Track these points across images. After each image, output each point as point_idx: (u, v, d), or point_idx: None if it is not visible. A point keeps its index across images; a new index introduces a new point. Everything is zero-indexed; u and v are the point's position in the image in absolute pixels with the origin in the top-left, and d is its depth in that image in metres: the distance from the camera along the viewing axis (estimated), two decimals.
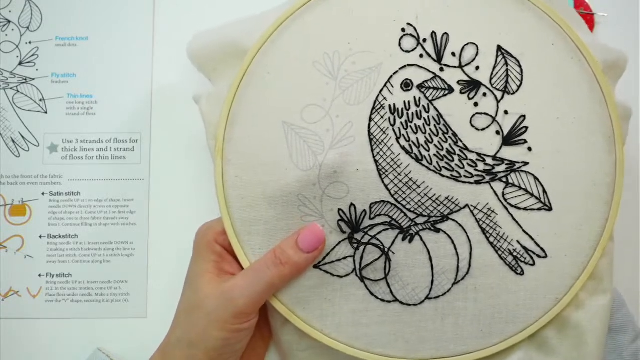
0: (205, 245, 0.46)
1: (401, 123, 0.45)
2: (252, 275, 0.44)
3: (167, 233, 0.56)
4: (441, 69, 0.45)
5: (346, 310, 0.45)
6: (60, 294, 0.56)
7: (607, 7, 0.59)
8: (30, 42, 0.58)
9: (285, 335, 0.48)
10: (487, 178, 0.45)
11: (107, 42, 0.58)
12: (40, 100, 0.57)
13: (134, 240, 0.56)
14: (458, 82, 0.45)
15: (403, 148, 0.45)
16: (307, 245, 0.44)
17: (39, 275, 0.56)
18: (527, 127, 0.45)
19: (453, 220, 0.45)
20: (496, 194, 0.45)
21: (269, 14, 0.48)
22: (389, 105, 0.45)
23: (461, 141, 0.45)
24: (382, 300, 0.45)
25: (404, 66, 0.45)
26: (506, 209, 0.45)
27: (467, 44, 0.45)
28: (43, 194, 0.57)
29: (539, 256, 0.45)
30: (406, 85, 0.45)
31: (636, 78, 0.57)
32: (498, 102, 0.45)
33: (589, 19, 0.58)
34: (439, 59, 0.45)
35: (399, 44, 0.46)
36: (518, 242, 0.45)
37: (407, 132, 0.45)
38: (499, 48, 0.45)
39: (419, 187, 0.45)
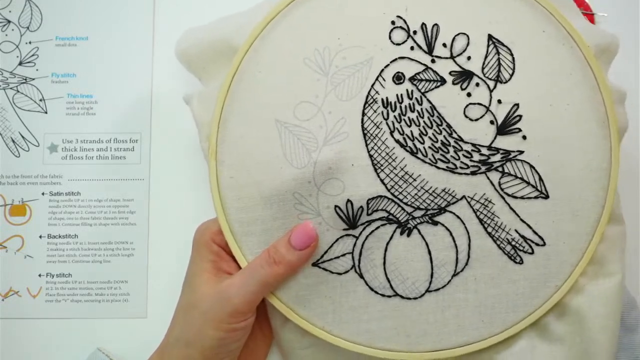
0: (203, 245, 0.46)
1: (394, 116, 0.45)
2: (247, 274, 0.44)
3: (167, 233, 0.56)
4: (432, 61, 0.45)
5: (346, 307, 0.45)
6: (60, 294, 0.56)
7: (607, 7, 0.59)
8: (30, 42, 0.58)
9: (287, 333, 0.48)
10: (483, 168, 0.45)
11: (107, 42, 0.59)
12: (40, 100, 0.58)
13: (134, 240, 0.56)
14: (450, 73, 0.45)
15: (397, 141, 0.45)
16: (299, 242, 0.44)
17: (39, 275, 0.56)
18: (520, 116, 0.45)
19: (450, 212, 0.45)
20: (492, 184, 0.45)
21: (258, 10, 0.49)
22: (382, 99, 0.45)
23: (455, 132, 0.45)
24: (382, 296, 0.45)
25: (395, 59, 0.45)
26: (503, 198, 0.45)
27: (458, 34, 0.46)
28: (43, 194, 0.57)
29: (537, 244, 0.45)
30: (398, 78, 0.45)
31: (636, 78, 0.57)
32: (491, 91, 0.45)
33: (589, 19, 0.58)
34: (430, 51, 0.46)
35: (389, 37, 0.46)
36: (516, 231, 0.45)
37: (400, 126, 0.45)
38: (490, 37, 0.45)
39: (415, 180, 0.45)
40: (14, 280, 0.56)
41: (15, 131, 0.57)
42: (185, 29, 0.52)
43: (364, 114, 0.45)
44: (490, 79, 0.45)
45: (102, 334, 0.55)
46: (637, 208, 0.56)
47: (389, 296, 0.45)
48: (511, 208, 0.45)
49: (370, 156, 0.45)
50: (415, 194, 0.45)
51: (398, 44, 0.46)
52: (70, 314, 0.55)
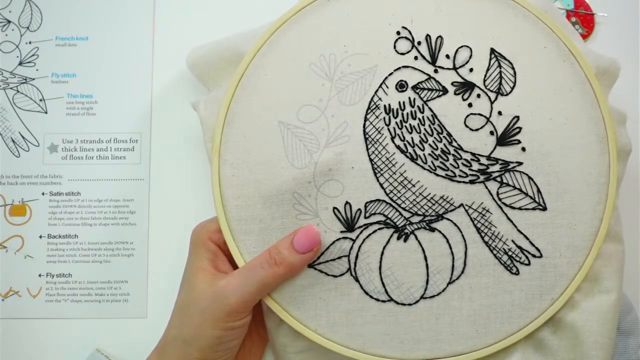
0: (200, 244, 0.46)
1: (396, 123, 0.45)
2: (245, 274, 0.44)
3: (167, 233, 0.56)
4: (435, 71, 0.46)
5: (340, 310, 0.46)
6: (60, 294, 0.56)
7: (607, 7, 0.59)
8: (30, 42, 0.58)
9: (280, 337, 0.48)
10: (482, 177, 0.45)
11: (107, 42, 0.58)
12: (40, 100, 0.57)
13: (134, 240, 0.56)
14: (452, 84, 0.46)
15: (398, 147, 0.45)
16: (302, 246, 0.44)
17: (39, 275, 0.56)
18: (520, 128, 0.45)
19: (448, 219, 0.45)
20: (491, 194, 0.45)
21: (265, 27, 0.49)
22: (384, 106, 0.46)
23: (455, 141, 0.45)
24: (377, 300, 0.45)
25: (399, 68, 0.46)
26: (500, 208, 0.45)
27: (461, 46, 0.46)
28: (43, 194, 0.57)
29: (534, 256, 0.45)
30: (401, 86, 0.46)
31: (636, 78, 0.57)
32: (492, 103, 0.45)
33: (589, 19, 0.58)
34: (433, 61, 0.46)
35: (394, 47, 0.46)
36: (513, 241, 0.45)
37: (402, 132, 0.45)
38: (492, 51, 0.46)
39: (413, 186, 0.45)
40: (14, 280, 0.56)
41: (15, 131, 0.57)
42: (195, 45, 0.52)
43: (366, 119, 0.46)
44: (491, 91, 0.46)
45: (102, 334, 0.55)
46: (637, 210, 0.56)
47: (384, 301, 0.45)
48: (508, 218, 0.45)
49: (371, 160, 0.45)
50: (414, 200, 0.45)
51: (402, 54, 0.46)
52: (70, 314, 0.55)
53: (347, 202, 0.45)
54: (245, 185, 0.46)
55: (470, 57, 0.46)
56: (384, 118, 0.45)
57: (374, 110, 0.46)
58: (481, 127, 0.45)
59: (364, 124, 0.46)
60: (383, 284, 0.45)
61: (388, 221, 0.45)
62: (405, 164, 0.45)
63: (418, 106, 0.45)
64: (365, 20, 0.47)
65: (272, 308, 0.46)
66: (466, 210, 0.45)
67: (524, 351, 0.46)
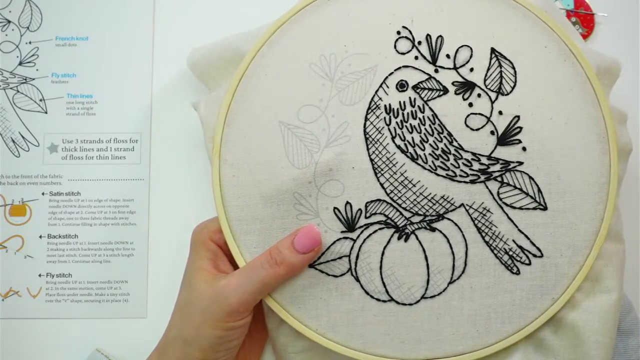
0: (201, 244, 0.46)
1: (396, 123, 0.45)
2: (246, 274, 0.44)
3: (167, 233, 0.56)
4: (436, 71, 0.46)
5: (341, 310, 0.46)
6: (60, 294, 0.56)
7: (607, 7, 0.59)
8: (30, 42, 0.58)
9: (281, 336, 0.48)
10: (482, 177, 0.45)
11: (107, 42, 0.58)
12: (40, 100, 0.57)
13: (134, 240, 0.56)
14: (453, 83, 0.46)
15: (398, 147, 0.45)
16: (302, 246, 0.44)
17: (39, 275, 0.56)
18: (521, 128, 0.45)
19: (449, 219, 0.45)
20: (491, 193, 0.45)
21: (265, 27, 0.49)
22: (385, 106, 0.46)
23: (456, 141, 0.45)
24: (378, 300, 0.45)
25: (399, 67, 0.46)
26: (501, 208, 0.45)
27: (462, 46, 0.46)
28: (43, 194, 0.57)
29: (534, 255, 0.45)
30: (401, 85, 0.46)
31: (636, 78, 0.57)
32: (492, 102, 0.45)
33: (589, 19, 0.58)
34: (433, 61, 0.46)
35: (395, 46, 0.46)
36: (514, 241, 0.45)
37: (402, 132, 0.45)
38: (493, 50, 0.46)
39: (414, 186, 0.45)
40: (14, 280, 0.56)
41: (15, 131, 0.57)
42: (195, 46, 0.53)
43: (366, 119, 0.46)
44: (492, 91, 0.46)
45: (102, 334, 0.55)
46: (637, 210, 0.56)
47: (384, 301, 0.45)
48: (509, 218, 0.45)
49: (371, 160, 0.45)
50: (414, 200, 0.45)
51: (402, 53, 0.46)
52: (70, 314, 0.55)
53: (347, 202, 0.45)
54: (246, 185, 0.46)
55: (471, 56, 0.46)
56: (385, 118, 0.46)
57: (374, 110, 0.46)
58: (482, 127, 0.45)
59: (365, 124, 0.46)
60: (384, 283, 0.45)
61: (389, 221, 0.46)
62: (405, 163, 0.45)
63: (418, 106, 0.45)
64: (366, 20, 0.47)
65: (273, 308, 0.46)
66: (467, 210, 0.45)
67: (525, 351, 0.46)
